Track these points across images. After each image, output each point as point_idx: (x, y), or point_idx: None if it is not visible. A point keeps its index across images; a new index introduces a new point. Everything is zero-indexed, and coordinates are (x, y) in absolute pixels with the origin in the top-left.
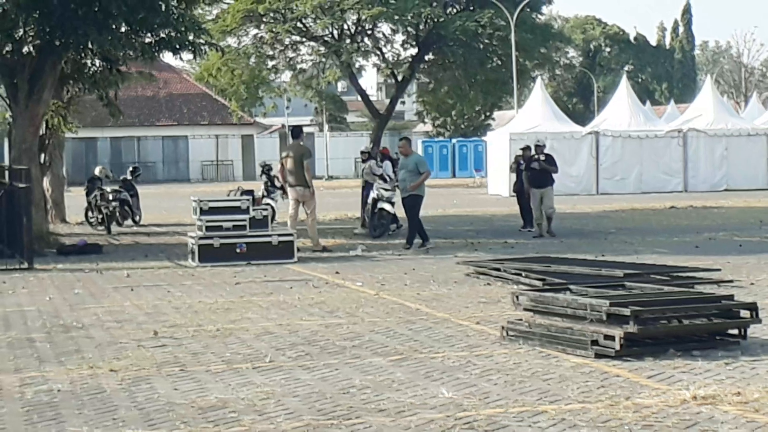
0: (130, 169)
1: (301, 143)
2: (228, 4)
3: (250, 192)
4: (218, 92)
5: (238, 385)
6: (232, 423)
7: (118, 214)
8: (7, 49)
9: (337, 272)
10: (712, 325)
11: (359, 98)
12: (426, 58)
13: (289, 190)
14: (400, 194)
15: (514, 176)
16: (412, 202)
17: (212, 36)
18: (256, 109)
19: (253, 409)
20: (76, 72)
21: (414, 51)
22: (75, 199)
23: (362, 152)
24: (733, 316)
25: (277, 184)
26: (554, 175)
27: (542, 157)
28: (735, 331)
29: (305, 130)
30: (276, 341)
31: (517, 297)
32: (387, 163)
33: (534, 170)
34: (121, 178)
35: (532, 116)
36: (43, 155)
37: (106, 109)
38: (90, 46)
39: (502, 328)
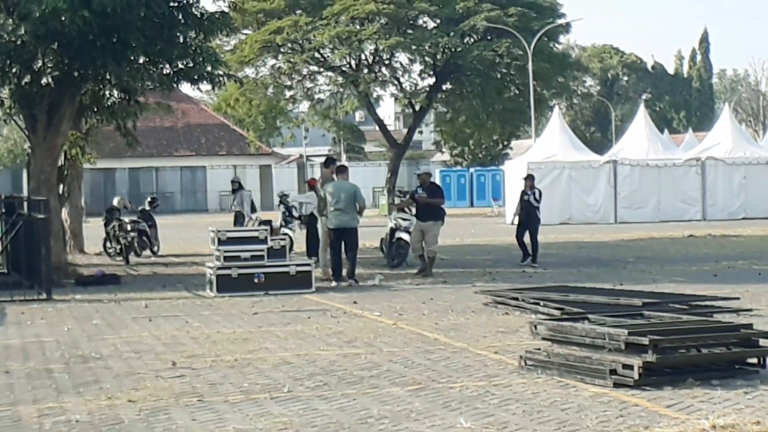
0: (149, 199)
1: (334, 174)
2: (246, 34)
3: (268, 222)
4: (236, 122)
5: (257, 415)
6: None
7: (136, 244)
8: (25, 80)
9: (355, 302)
10: (731, 354)
11: (377, 128)
12: (443, 87)
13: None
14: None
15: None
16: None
17: (230, 67)
18: (273, 139)
19: None
20: (94, 103)
21: (431, 80)
22: (93, 229)
23: (232, 182)
24: (752, 345)
25: (295, 214)
26: (576, 205)
27: (420, 191)
28: (754, 360)
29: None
30: (294, 371)
31: (535, 326)
32: (311, 193)
33: (417, 202)
34: (140, 208)
35: (550, 145)
36: (61, 186)
37: (124, 140)
38: (108, 77)
39: (521, 357)
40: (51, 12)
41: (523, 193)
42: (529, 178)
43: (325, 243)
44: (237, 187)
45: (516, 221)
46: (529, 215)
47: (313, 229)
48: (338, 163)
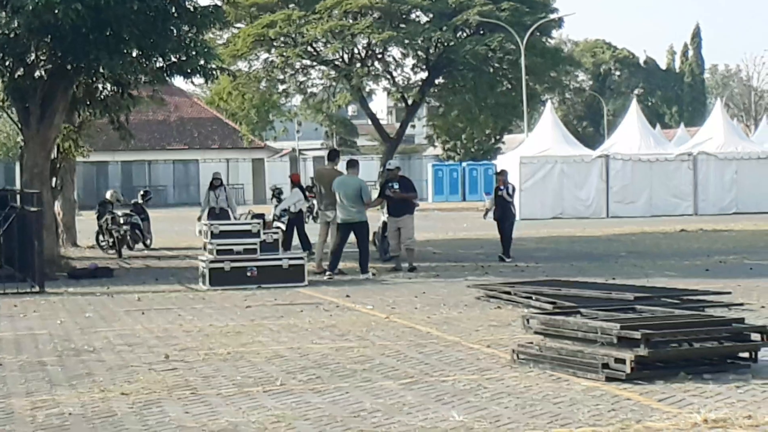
0: (141, 192)
1: (335, 168)
2: (238, 28)
3: (261, 216)
4: (229, 116)
5: (249, 408)
6: None
7: (129, 237)
8: (18, 73)
9: (347, 296)
10: (722, 348)
11: (369, 122)
12: (436, 81)
13: (321, 213)
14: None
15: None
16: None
17: (223, 60)
18: (266, 132)
19: None
20: (87, 96)
21: (424, 75)
22: (86, 222)
23: (216, 177)
24: (743, 340)
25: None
26: (568, 199)
27: (395, 185)
28: (746, 355)
29: (313, 153)
30: (287, 364)
31: (527, 320)
32: (296, 191)
33: (390, 197)
34: (132, 201)
35: (542, 140)
36: (54, 179)
37: (117, 133)
38: (101, 70)
39: (513, 351)
40: (44, 5)
41: (497, 189)
42: (502, 174)
43: (323, 236)
44: (219, 183)
45: (492, 217)
46: (504, 210)
47: (299, 224)
48: (349, 158)
